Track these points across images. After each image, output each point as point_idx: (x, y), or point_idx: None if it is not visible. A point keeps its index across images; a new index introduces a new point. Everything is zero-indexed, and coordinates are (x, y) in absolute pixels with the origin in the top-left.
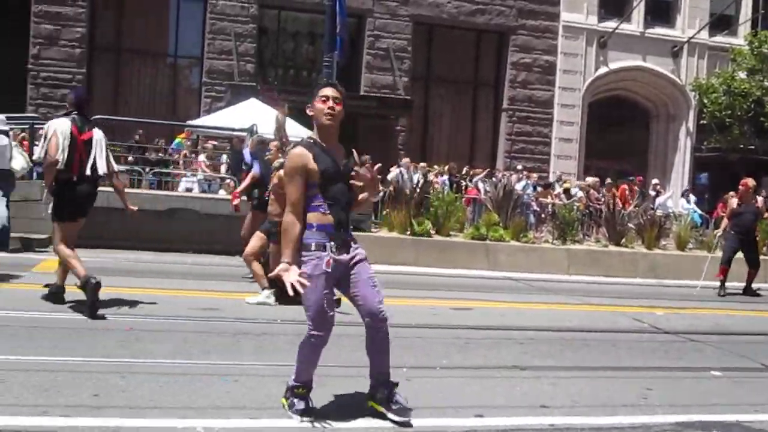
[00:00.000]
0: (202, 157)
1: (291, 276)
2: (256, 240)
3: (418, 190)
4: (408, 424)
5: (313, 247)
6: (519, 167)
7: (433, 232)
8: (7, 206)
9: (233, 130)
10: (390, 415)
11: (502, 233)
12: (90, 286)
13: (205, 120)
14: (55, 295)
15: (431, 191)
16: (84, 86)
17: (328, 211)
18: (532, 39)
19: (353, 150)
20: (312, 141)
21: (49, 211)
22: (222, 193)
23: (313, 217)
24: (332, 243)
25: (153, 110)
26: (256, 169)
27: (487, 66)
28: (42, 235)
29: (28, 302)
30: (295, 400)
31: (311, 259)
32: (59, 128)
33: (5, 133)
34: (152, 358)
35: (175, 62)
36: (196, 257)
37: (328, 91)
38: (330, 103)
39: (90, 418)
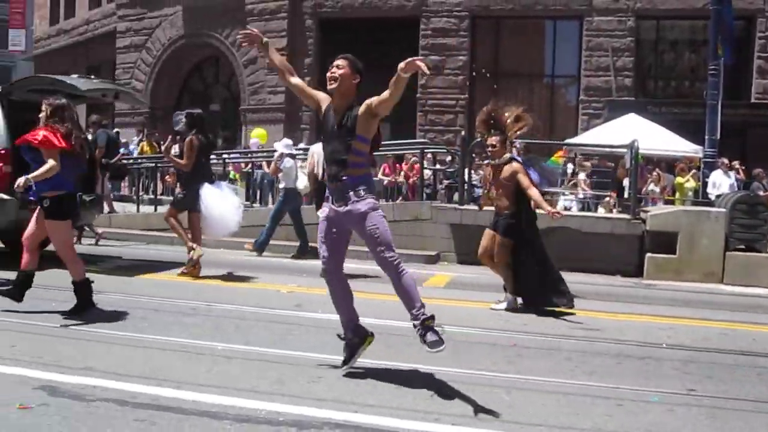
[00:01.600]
0: (582, 176)
1: None
2: (486, 239)
3: None
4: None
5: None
6: None
7: None
8: (299, 221)
9: (612, 147)
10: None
11: None
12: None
13: (582, 138)
14: None
15: None
16: None
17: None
18: None
19: None
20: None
21: None
22: (601, 211)
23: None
24: (330, 195)
25: (531, 130)
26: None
27: None
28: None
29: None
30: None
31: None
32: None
33: (292, 156)
34: (536, 376)
35: (552, 82)
36: (575, 275)
37: (335, 61)
38: (332, 69)
39: (474, 429)
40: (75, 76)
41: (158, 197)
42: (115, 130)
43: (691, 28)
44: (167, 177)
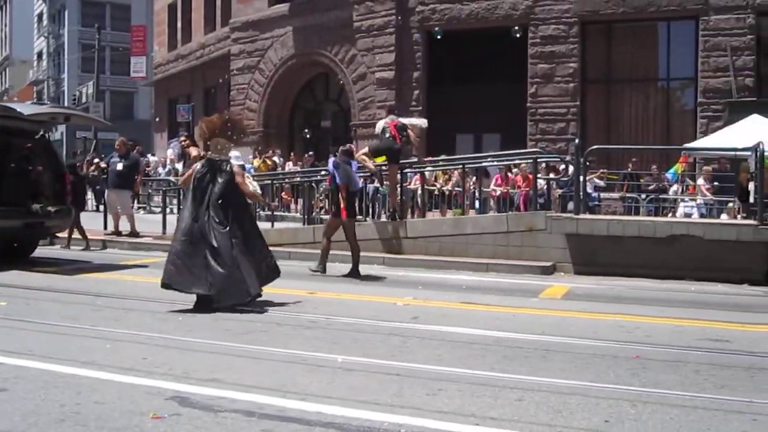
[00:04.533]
0: (701, 181)
1: None
2: None
3: None
4: None
5: None
6: None
7: None
8: None
9: (735, 150)
10: None
11: None
12: None
13: (702, 142)
14: None
15: None
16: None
17: None
18: None
19: None
20: None
21: None
22: (724, 217)
23: None
24: None
25: (646, 136)
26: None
27: None
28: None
29: (540, 327)
30: None
31: None
32: None
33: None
34: (662, 389)
35: (667, 85)
36: (699, 285)
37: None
38: None
39: None
40: (29, 102)
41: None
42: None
43: None
44: (283, 194)
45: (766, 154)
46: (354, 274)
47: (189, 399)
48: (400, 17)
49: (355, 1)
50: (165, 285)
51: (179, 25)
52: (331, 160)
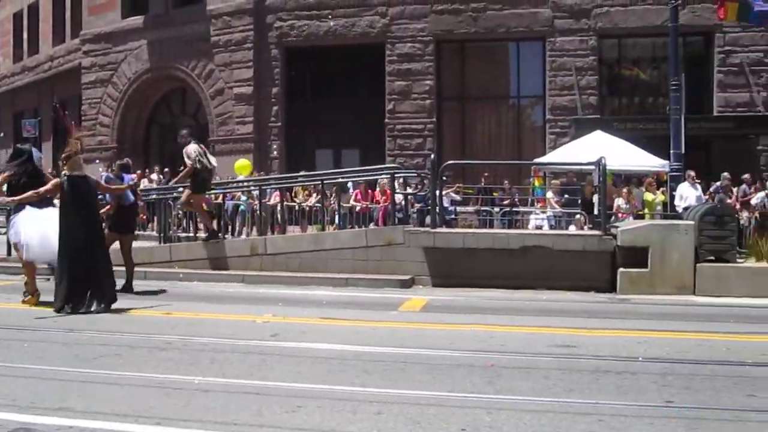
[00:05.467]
0: (550, 194)
1: None
2: None
3: None
4: None
5: None
6: None
7: None
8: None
9: (580, 164)
10: None
11: None
12: None
13: (550, 157)
14: None
15: None
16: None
17: None
18: None
19: None
20: None
21: None
22: (572, 229)
23: None
24: None
25: (499, 151)
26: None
27: None
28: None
29: (399, 340)
30: None
31: None
32: None
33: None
34: (515, 395)
35: (518, 103)
36: (550, 293)
37: None
38: None
39: None
40: None
41: None
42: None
43: (652, 45)
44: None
45: (608, 168)
46: (127, 289)
47: (34, 430)
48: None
49: (212, 15)
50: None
51: (25, 35)
52: (104, 174)
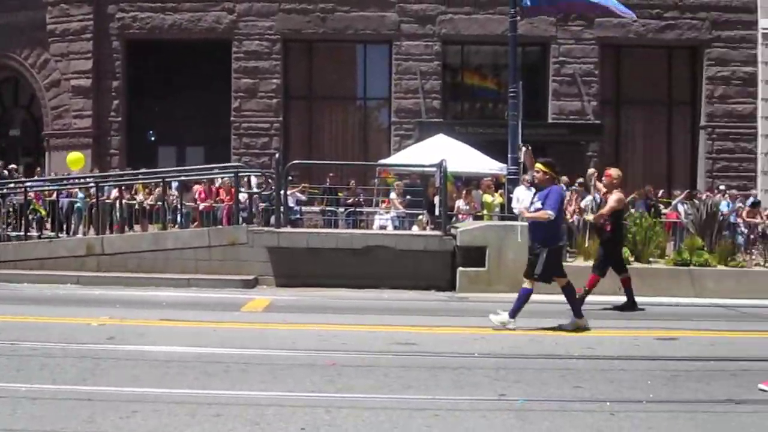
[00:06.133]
0: (393, 195)
1: None
2: None
3: None
4: None
5: None
6: (722, 187)
7: (631, 259)
8: None
9: (423, 166)
10: None
11: (708, 258)
12: None
13: (395, 158)
14: None
15: (627, 217)
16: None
17: None
18: (728, 50)
19: None
20: None
21: None
22: (415, 229)
23: None
24: None
25: (346, 152)
26: None
27: (680, 83)
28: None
29: (240, 340)
30: None
31: None
32: None
33: None
34: (356, 393)
35: (365, 104)
36: (392, 292)
37: None
38: None
39: None
40: None
41: None
42: None
43: (493, 53)
44: None
45: (449, 170)
46: None
47: None
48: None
49: (48, 2)
50: None
51: None
52: None
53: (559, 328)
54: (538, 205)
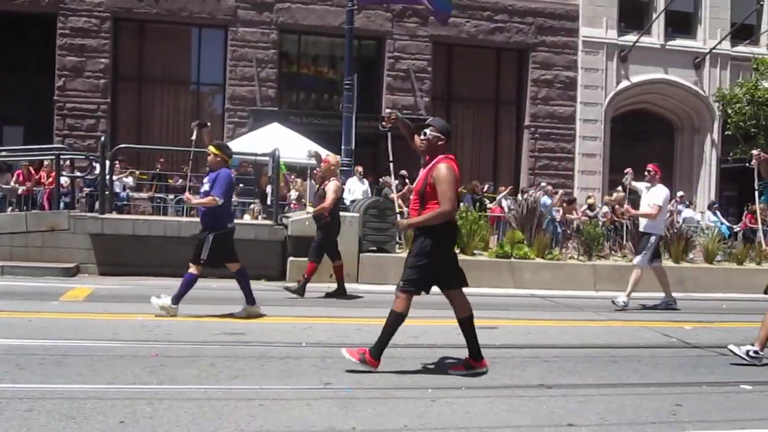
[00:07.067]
0: None
1: None
2: None
3: None
4: None
5: None
6: (543, 184)
7: (457, 251)
8: None
9: (256, 155)
10: None
11: (527, 251)
12: None
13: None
14: None
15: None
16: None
17: None
18: (552, 55)
19: None
20: None
21: None
22: (247, 218)
23: None
24: None
25: (177, 138)
26: None
27: (507, 84)
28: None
29: (58, 331)
30: None
31: None
32: None
33: None
34: (179, 384)
35: (198, 89)
36: (220, 282)
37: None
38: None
39: None
40: None
41: None
42: None
43: (330, 44)
44: None
45: (283, 160)
46: None
47: None
48: None
49: None
50: None
51: None
52: None
53: (231, 315)
54: (206, 187)
